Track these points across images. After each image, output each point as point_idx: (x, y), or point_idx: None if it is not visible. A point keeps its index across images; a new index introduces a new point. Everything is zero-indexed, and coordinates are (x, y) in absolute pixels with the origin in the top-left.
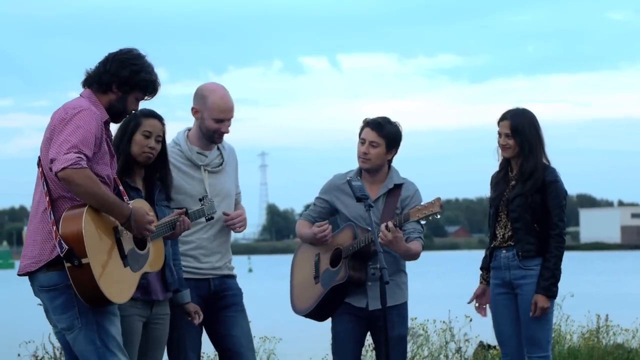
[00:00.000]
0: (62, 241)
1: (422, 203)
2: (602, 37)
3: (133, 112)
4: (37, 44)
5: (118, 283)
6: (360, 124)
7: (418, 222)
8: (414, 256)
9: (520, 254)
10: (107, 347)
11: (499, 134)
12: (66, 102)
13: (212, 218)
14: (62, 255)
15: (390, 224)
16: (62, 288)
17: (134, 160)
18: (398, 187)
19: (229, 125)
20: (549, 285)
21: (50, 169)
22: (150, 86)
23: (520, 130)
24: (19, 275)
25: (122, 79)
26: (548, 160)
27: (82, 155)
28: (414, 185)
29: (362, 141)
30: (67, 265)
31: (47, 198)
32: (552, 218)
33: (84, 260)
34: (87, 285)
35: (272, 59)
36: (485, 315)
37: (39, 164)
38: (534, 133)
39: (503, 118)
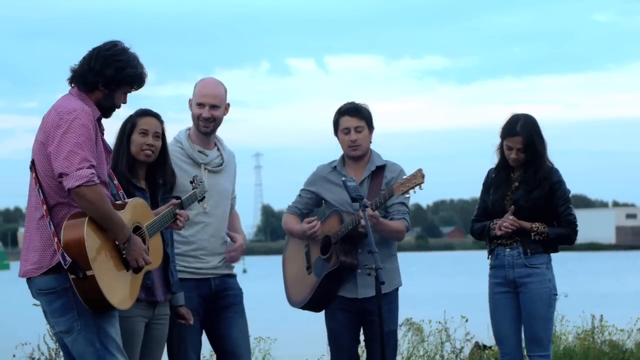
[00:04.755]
0: (64, 253)
1: (404, 177)
2: (588, 39)
3: (123, 105)
4: (27, 45)
5: (123, 289)
6: (333, 116)
7: (403, 203)
8: (398, 234)
9: (529, 252)
10: (106, 348)
11: (509, 147)
12: (56, 103)
13: (204, 198)
14: (66, 267)
15: (367, 203)
16: (60, 291)
17: (135, 160)
18: (381, 169)
19: (210, 111)
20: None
21: (60, 182)
22: (137, 80)
23: (532, 144)
24: (20, 277)
25: (108, 78)
26: (551, 162)
27: (94, 171)
28: (397, 165)
29: (346, 130)
30: (71, 277)
31: (44, 206)
32: (562, 215)
33: (88, 273)
34: (93, 295)
35: (260, 61)
36: None
37: (32, 168)
38: (541, 142)
39: (513, 134)
